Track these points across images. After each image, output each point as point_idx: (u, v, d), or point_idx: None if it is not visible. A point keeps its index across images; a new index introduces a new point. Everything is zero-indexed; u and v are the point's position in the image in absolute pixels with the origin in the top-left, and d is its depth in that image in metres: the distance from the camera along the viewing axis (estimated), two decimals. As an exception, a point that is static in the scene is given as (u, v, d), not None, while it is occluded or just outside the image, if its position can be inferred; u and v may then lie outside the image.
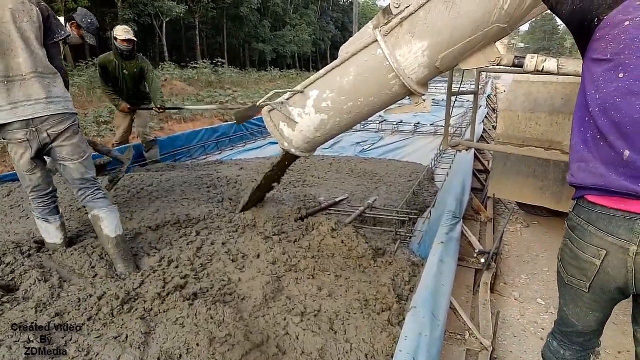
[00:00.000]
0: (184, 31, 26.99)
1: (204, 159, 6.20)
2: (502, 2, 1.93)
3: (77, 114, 2.58)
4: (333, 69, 2.42)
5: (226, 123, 7.96)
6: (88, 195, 2.60)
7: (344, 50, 2.42)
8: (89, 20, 3.77)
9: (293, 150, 2.65)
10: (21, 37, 2.31)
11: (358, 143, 7.21)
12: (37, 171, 2.51)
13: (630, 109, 1.13)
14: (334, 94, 2.41)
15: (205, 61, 19.26)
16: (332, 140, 3.03)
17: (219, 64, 19.42)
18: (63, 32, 2.55)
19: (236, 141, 7.24)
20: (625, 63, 1.16)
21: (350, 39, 2.50)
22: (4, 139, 2.42)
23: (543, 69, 2.11)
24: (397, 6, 2.17)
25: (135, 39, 4.91)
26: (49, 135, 2.42)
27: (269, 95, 2.54)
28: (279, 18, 31.37)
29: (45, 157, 2.64)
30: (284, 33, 30.99)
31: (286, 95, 2.59)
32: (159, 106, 4.99)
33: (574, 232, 1.32)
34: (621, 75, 1.16)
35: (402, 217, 3.45)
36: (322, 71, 2.48)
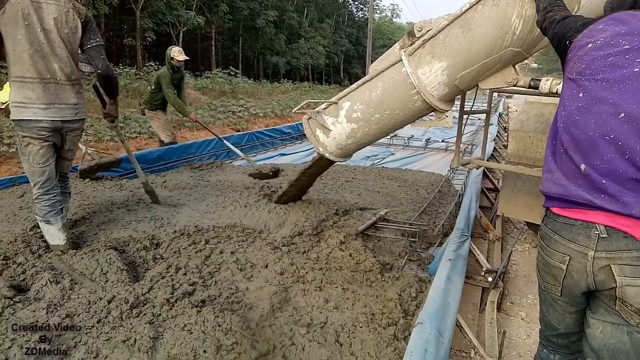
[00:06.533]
0: (200, 41, 27.35)
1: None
2: (514, 27, 2.00)
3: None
4: (364, 83, 2.65)
5: (238, 133, 8.04)
6: (66, 186, 3.06)
7: (373, 68, 2.65)
8: None
9: (327, 155, 2.91)
10: (60, 44, 2.57)
11: (368, 157, 7.18)
12: (50, 163, 2.73)
13: (586, 127, 1.22)
14: (363, 106, 2.64)
15: (220, 70, 19.44)
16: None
17: (232, 73, 19.57)
18: (98, 40, 2.80)
19: (247, 151, 7.30)
20: (584, 84, 1.25)
21: (380, 57, 2.73)
22: (23, 135, 2.59)
23: (557, 91, 2.18)
24: (419, 29, 2.40)
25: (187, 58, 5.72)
26: (67, 135, 2.74)
27: (302, 104, 2.80)
28: (294, 31, 31.69)
29: None
30: (298, 45, 31.27)
31: (322, 105, 2.85)
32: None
33: (544, 241, 1.43)
34: (581, 94, 1.26)
35: (414, 228, 3.47)
36: (354, 85, 2.72)
